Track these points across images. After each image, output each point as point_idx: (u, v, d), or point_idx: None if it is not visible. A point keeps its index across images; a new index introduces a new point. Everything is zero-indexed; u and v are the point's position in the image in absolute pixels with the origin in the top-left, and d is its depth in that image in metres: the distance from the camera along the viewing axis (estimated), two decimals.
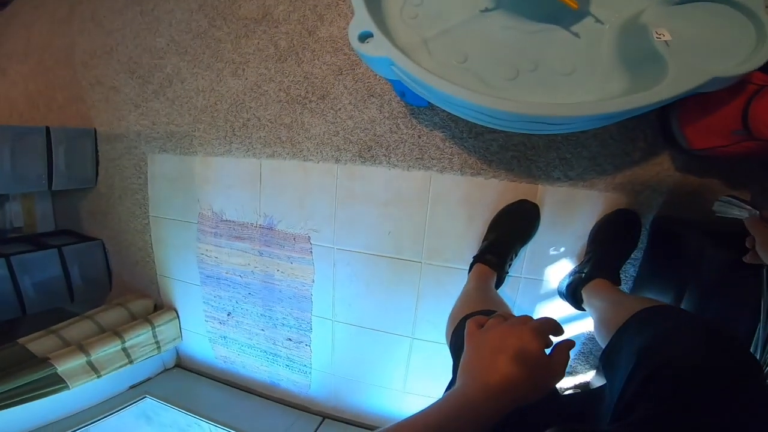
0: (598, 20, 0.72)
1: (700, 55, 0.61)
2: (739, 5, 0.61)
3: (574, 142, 0.91)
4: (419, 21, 0.79)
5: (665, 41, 0.61)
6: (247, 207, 1.21)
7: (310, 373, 1.32)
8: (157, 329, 1.40)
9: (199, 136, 1.28)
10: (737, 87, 0.65)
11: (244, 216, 1.22)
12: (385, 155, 1.03)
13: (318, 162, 1.11)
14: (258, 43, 1.23)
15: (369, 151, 1.05)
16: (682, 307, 0.71)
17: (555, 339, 0.43)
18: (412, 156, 1.01)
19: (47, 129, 1.42)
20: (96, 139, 1.56)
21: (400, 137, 1.02)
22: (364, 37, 0.69)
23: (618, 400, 0.40)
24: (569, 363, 0.41)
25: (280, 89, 1.16)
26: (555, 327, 0.43)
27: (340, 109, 1.09)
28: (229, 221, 1.27)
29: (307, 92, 1.12)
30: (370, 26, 0.69)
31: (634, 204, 0.89)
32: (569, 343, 0.42)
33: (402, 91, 0.97)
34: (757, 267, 0.57)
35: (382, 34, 0.68)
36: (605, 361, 0.54)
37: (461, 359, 0.44)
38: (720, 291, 0.68)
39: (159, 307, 1.54)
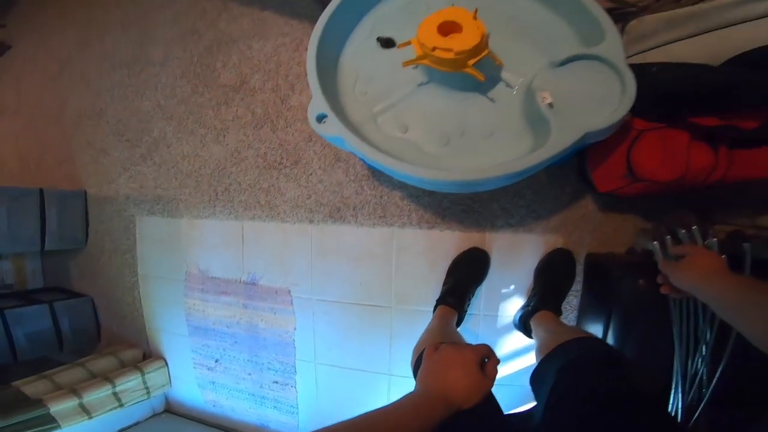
0: (508, 85, 0.87)
1: (578, 112, 0.75)
2: (605, 59, 0.76)
3: (512, 193, 1.07)
4: (369, 97, 0.95)
5: (549, 104, 0.76)
6: (232, 265, 1.35)
7: (297, 413, 1.44)
8: (146, 376, 1.50)
9: (185, 199, 1.42)
10: (621, 134, 0.81)
11: (228, 273, 1.36)
12: (352, 215, 1.19)
13: (294, 223, 1.26)
14: (236, 110, 1.40)
15: (338, 212, 1.20)
16: (610, 332, 0.86)
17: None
18: (376, 215, 1.16)
19: (41, 191, 1.55)
20: (86, 201, 1.69)
21: (364, 198, 1.17)
22: (321, 117, 0.85)
23: (543, 411, 0.55)
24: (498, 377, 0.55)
25: (257, 155, 1.32)
26: (489, 351, 0.57)
27: (311, 174, 1.24)
28: (215, 278, 1.41)
29: (282, 158, 1.29)
30: (326, 109, 0.84)
31: (568, 243, 1.05)
32: (497, 361, 0.57)
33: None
34: (665, 296, 0.71)
35: (335, 116, 0.83)
36: (533, 381, 0.69)
37: (419, 372, 0.58)
38: (637, 317, 0.82)
39: (148, 355, 1.64)
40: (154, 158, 1.52)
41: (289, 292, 1.28)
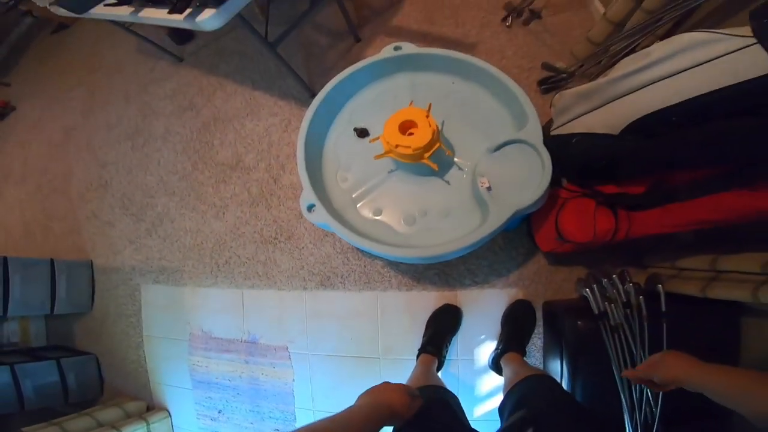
0: (460, 168, 1.09)
1: (510, 191, 0.95)
2: (528, 142, 0.97)
3: (476, 257, 1.29)
4: (349, 184, 1.17)
5: (487, 188, 0.97)
6: (233, 327, 1.51)
7: None
8: (151, 426, 1.61)
9: (188, 270, 1.59)
10: (551, 203, 1.01)
11: (230, 334, 1.52)
12: (341, 282, 1.38)
13: (289, 290, 1.44)
14: (234, 188, 1.61)
15: (328, 280, 1.40)
16: (564, 365, 1.05)
17: None
18: (361, 281, 1.36)
19: (52, 261, 1.70)
20: (92, 270, 1.84)
21: (350, 268, 1.37)
22: (311, 207, 1.06)
23: None
24: None
25: (255, 231, 1.51)
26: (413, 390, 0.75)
27: (303, 247, 1.44)
28: (218, 338, 1.57)
29: (276, 234, 1.48)
30: (314, 200, 1.05)
31: (527, 294, 1.26)
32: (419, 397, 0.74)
33: None
34: (599, 331, 0.90)
35: (322, 206, 1.04)
36: (499, 412, 0.88)
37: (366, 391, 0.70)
38: (580, 351, 1.01)
39: (151, 407, 1.75)
40: (158, 232, 1.70)
41: (287, 348, 1.46)
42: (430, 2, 2.03)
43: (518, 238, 1.26)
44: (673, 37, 0.75)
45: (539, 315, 1.23)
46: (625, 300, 0.92)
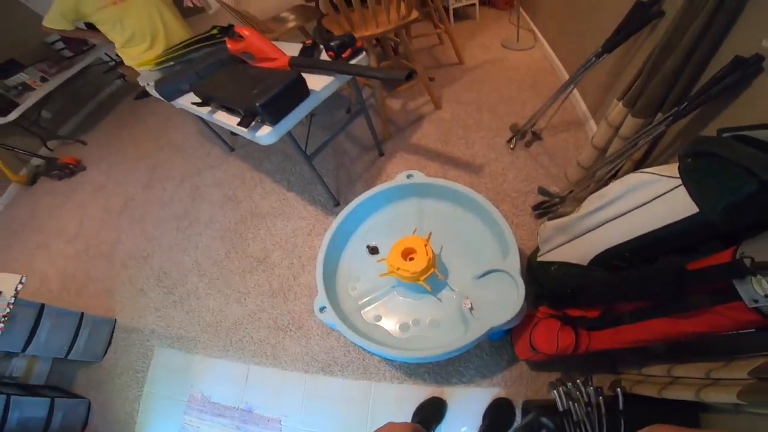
0: (451, 288, 1.34)
1: (489, 312, 1.16)
2: (507, 272, 1.19)
3: (464, 360, 1.46)
4: (357, 293, 1.43)
5: (469, 308, 1.19)
6: (233, 395, 1.65)
7: None
8: None
9: (203, 342, 1.80)
10: (528, 320, 1.21)
11: (228, 401, 1.65)
12: (340, 371, 1.57)
13: (292, 371, 1.62)
14: (258, 279, 1.89)
15: (329, 367, 1.58)
16: None
17: None
18: (358, 372, 1.54)
19: (82, 314, 1.91)
20: (114, 327, 2.04)
21: (350, 359, 1.57)
22: (322, 308, 1.30)
23: None
24: None
25: (270, 318, 1.75)
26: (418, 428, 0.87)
27: (310, 338, 1.66)
28: (216, 403, 1.70)
29: (289, 323, 1.72)
30: (326, 303, 1.30)
31: (509, 394, 1.38)
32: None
33: None
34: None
35: (332, 309, 1.28)
36: None
37: None
38: None
39: None
40: (184, 306, 1.95)
41: (280, 421, 1.57)
42: (446, 121, 2.44)
43: (504, 347, 1.45)
44: (625, 177, 0.92)
45: (519, 412, 1.36)
46: (587, 400, 1.08)
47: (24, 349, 1.68)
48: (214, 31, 2.06)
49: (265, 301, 1.81)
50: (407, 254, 1.30)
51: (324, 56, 1.66)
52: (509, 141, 2.14)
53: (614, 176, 1.51)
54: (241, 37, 1.62)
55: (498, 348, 1.45)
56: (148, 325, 1.95)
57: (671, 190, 0.79)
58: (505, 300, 1.16)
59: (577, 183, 1.61)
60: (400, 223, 1.56)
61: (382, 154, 2.30)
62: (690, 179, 0.76)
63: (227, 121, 1.52)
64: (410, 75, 1.25)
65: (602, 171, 1.48)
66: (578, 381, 1.13)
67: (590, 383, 1.11)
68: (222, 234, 2.18)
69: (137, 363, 1.85)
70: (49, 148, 3.94)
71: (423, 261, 1.24)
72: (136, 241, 2.39)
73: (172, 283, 2.07)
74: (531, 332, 1.20)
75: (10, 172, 3.41)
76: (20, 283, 1.57)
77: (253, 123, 1.39)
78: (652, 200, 0.83)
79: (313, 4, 2.94)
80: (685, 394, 0.88)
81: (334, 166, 2.35)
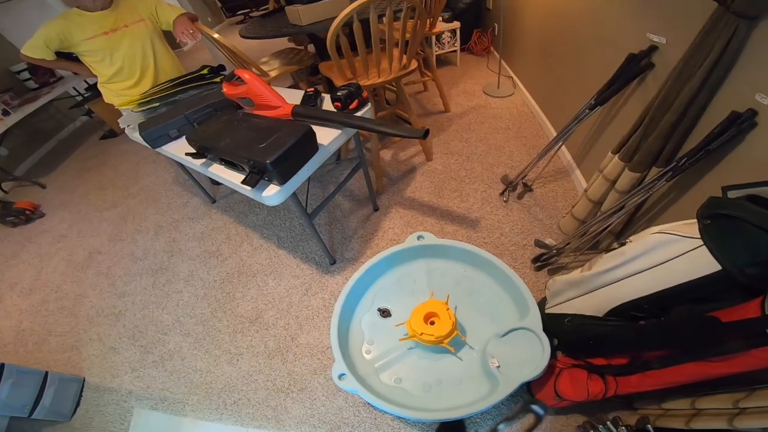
0: (471, 347, 1.36)
1: (516, 368, 1.20)
2: (530, 329, 1.25)
3: (486, 416, 1.45)
4: (372, 356, 1.43)
5: (497, 366, 1.23)
6: None
7: None
8: None
9: (192, 404, 1.70)
10: (550, 372, 1.24)
11: None
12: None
13: None
14: (251, 340, 1.83)
15: (338, 428, 1.52)
16: None
17: None
18: (371, 431, 1.49)
19: (46, 374, 1.78)
20: (83, 386, 1.89)
21: (361, 419, 1.52)
22: (341, 376, 1.28)
23: None
24: None
25: (267, 380, 1.69)
26: None
27: (315, 399, 1.61)
28: None
29: (290, 385, 1.66)
30: (345, 370, 1.28)
31: None
32: None
33: None
34: None
35: (352, 375, 1.27)
36: None
37: None
38: None
39: None
40: (166, 366, 1.85)
41: None
42: (438, 173, 2.52)
43: (518, 394, 1.45)
44: (643, 236, 0.99)
45: None
46: None
47: None
48: (204, 71, 2.07)
49: (261, 362, 1.75)
50: (428, 318, 1.35)
51: (327, 106, 1.69)
52: (502, 194, 2.24)
53: (604, 230, 1.59)
54: (240, 81, 1.58)
55: (513, 396, 1.45)
56: (123, 385, 1.84)
57: (692, 249, 0.86)
58: (529, 356, 1.22)
59: (572, 235, 1.70)
60: (409, 284, 1.60)
61: (377, 209, 2.33)
62: (711, 240, 0.83)
63: (226, 176, 1.46)
64: (426, 133, 1.29)
65: (597, 227, 1.57)
66: (608, 422, 1.17)
67: (620, 423, 1.16)
68: (205, 292, 2.12)
69: (113, 424, 1.73)
70: (3, 190, 3.75)
71: (447, 325, 1.29)
72: (105, 297, 2.28)
73: (149, 342, 1.97)
74: (555, 381, 1.25)
75: None
76: None
77: (260, 181, 1.34)
78: (672, 259, 0.91)
79: (302, 47, 3.04)
80: (716, 424, 0.93)
81: (326, 221, 2.36)
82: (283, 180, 1.35)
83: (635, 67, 1.50)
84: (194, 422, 1.66)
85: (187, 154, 1.57)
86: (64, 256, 2.70)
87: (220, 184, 2.86)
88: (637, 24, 1.49)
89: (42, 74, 4.11)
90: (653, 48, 1.42)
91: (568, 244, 1.69)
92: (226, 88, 1.67)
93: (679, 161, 1.22)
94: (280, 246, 2.27)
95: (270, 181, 1.37)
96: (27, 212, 3.19)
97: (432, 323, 1.32)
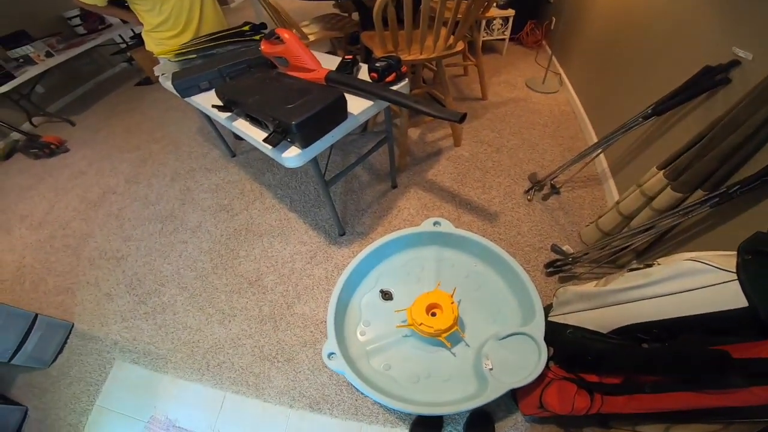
0: (467, 344, 1.31)
1: (509, 373, 1.16)
2: (531, 336, 1.19)
3: (464, 414, 1.41)
4: (366, 338, 1.37)
5: (489, 368, 1.17)
6: (203, 423, 1.52)
7: None
8: None
9: (174, 361, 1.68)
10: (539, 380, 1.18)
11: (197, 428, 1.52)
12: (329, 409, 1.47)
13: (275, 405, 1.51)
14: (246, 302, 1.79)
15: (318, 404, 1.49)
16: None
17: None
18: (349, 412, 1.45)
19: (36, 316, 1.75)
20: (70, 332, 1.88)
21: (342, 398, 1.48)
22: (331, 354, 1.23)
23: None
24: None
25: (256, 346, 1.65)
26: None
27: (300, 372, 1.56)
28: (181, 428, 1.56)
29: (277, 353, 1.62)
30: (336, 350, 1.23)
31: None
32: None
33: None
34: None
35: (341, 355, 1.22)
36: None
37: None
38: None
39: None
40: (156, 319, 1.81)
41: None
42: (464, 159, 2.42)
43: (504, 404, 1.41)
44: (674, 260, 0.96)
45: None
46: None
47: None
48: (246, 28, 2.03)
49: (252, 327, 1.71)
50: (430, 309, 1.29)
51: (363, 75, 1.61)
52: (527, 191, 2.14)
53: (626, 248, 1.51)
54: (279, 39, 1.54)
55: (497, 404, 1.41)
56: (110, 335, 1.81)
57: (723, 282, 0.83)
58: (524, 361, 1.18)
59: (592, 247, 1.61)
60: (416, 270, 1.52)
61: (395, 186, 2.25)
62: (747, 277, 0.79)
63: (249, 132, 1.43)
64: (463, 117, 1.20)
65: (620, 243, 1.47)
66: None
67: None
68: (210, 246, 2.08)
69: (91, 375, 1.71)
70: (33, 124, 3.84)
71: (448, 319, 1.23)
72: (111, 239, 2.26)
73: (145, 292, 1.94)
74: (542, 391, 1.21)
75: None
76: None
77: (282, 141, 1.30)
78: (700, 288, 0.87)
79: (346, 14, 2.93)
80: None
81: (342, 190, 2.29)
82: (305, 143, 1.31)
83: (709, 80, 1.36)
84: (173, 380, 1.64)
85: (213, 106, 1.53)
86: (79, 192, 2.70)
87: (243, 139, 2.80)
88: (724, 35, 1.35)
89: (92, 21, 4.18)
90: (734, 63, 1.29)
91: (586, 254, 1.60)
92: (263, 46, 1.62)
93: (730, 188, 1.12)
94: (292, 209, 2.21)
95: (292, 142, 1.33)
96: (52, 146, 3.23)
97: (433, 314, 1.26)
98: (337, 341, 1.25)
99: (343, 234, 2.00)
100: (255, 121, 1.44)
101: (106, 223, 2.37)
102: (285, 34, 1.51)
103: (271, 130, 1.30)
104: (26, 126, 3.76)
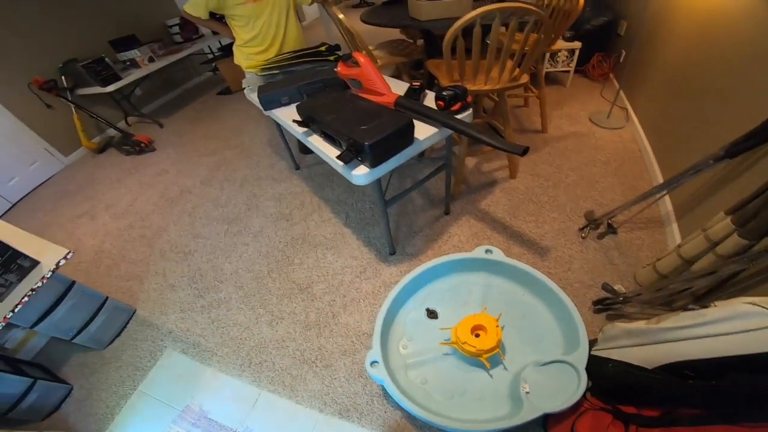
0: (505, 368, 1.33)
1: (545, 398, 1.16)
2: (573, 365, 1.19)
3: None
4: (407, 352, 1.41)
5: (526, 392, 1.18)
6: (234, 417, 1.58)
7: None
8: None
9: (220, 355, 1.76)
10: (573, 408, 1.17)
11: (227, 422, 1.58)
12: (358, 418, 1.48)
13: (306, 407, 1.55)
14: (295, 307, 1.86)
15: (347, 412, 1.50)
16: None
17: None
18: (376, 423, 1.45)
19: (105, 299, 1.86)
20: (131, 317, 2.00)
21: (372, 409, 1.49)
22: (373, 363, 1.29)
23: None
24: None
25: (297, 349, 1.71)
26: None
27: (335, 378, 1.60)
28: (212, 420, 1.62)
29: (316, 359, 1.66)
30: (379, 359, 1.29)
31: None
32: None
33: None
34: None
35: (383, 365, 1.27)
36: None
37: None
38: None
39: None
40: (210, 314, 1.93)
41: None
42: (519, 192, 2.38)
43: (530, 425, 1.31)
44: (731, 303, 0.95)
45: None
46: None
47: (34, 325, 1.59)
48: (322, 48, 2.15)
49: (297, 331, 1.77)
50: (475, 330, 1.33)
51: (429, 102, 1.66)
52: (581, 229, 2.06)
53: (685, 290, 1.43)
54: (355, 63, 1.62)
55: (527, 424, 1.35)
56: (167, 324, 1.93)
57: None
58: (561, 389, 1.19)
59: (646, 288, 1.56)
60: (463, 294, 1.56)
61: (447, 213, 2.26)
62: None
63: (323, 148, 1.51)
64: (526, 151, 1.20)
65: (678, 286, 1.40)
66: None
67: None
68: (268, 250, 2.19)
69: (141, 360, 1.81)
70: (128, 123, 4.24)
71: (492, 341, 1.27)
72: (182, 234, 2.44)
73: (205, 286, 2.06)
74: (575, 420, 1.19)
75: (84, 137, 3.66)
76: (65, 258, 1.51)
77: (353, 159, 1.37)
78: (753, 330, 0.89)
79: (412, 41, 3.01)
80: None
81: (396, 212, 2.33)
82: (374, 163, 1.36)
83: None
84: (215, 373, 1.71)
85: (294, 121, 1.64)
86: (160, 189, 2.95)
87: (308, 153, 2.98)
88: None
89: (189, 31, 4.59)
90: None
91: (639, 294, 1.54)
92: (340, 68, 1.70)
93: None
94: (347, 224, 2.28)
95: (362, 161, 1.38)
96: (142, 144, 3.56)
97: (477, 335, 1.30)
98: (381, 351, 1.31)
99: (394, 253, 2.03)
100: (329, 138, 1.51)
101: (180, 219, 2.56)
102: (361, 58, 1.58)
103: (344, 147, 1.37)
104: (121, 124, 4.14)
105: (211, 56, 5.07)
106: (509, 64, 1.84)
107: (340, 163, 1.35)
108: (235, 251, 2.22)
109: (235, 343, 1.78)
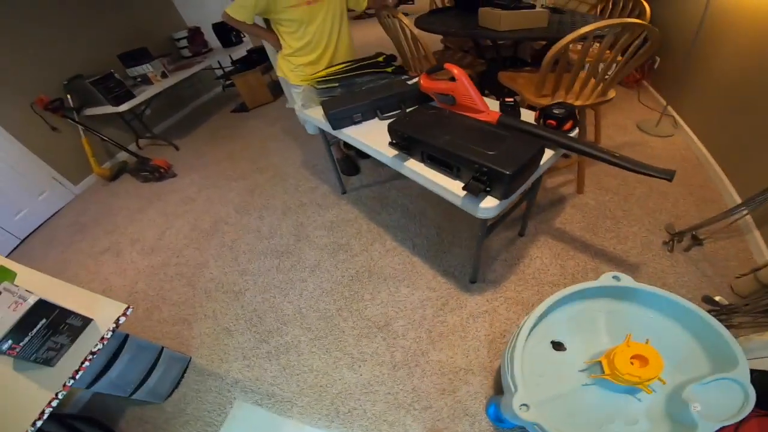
0: (653, 390, 1.22)
1: (714, 413, 1.08)
2: (739, 381, 1.11)
3: None
4: (540, 388, 1.28)
5: (697, 410, 1.10)
6: None
7: None
8: None
9: (301, 406, 1.61)
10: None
11: None
12: None
13: None
14: (377, 347, 1.72)
15: None
16: None
17: None
18: None
19: (162, 349, 1.70)
20: (187, 366, 1.82)
21: None
22: (523, 406, 1.14)
23: None
24: None
25: (389, 393, 1.57)
26: None
27: (439, 420, 1.47)
28: None
29: (413, 401, 1.53)
30: (529, 402, 1.14)
31: None
32: None
33: (498, 418, 1.39)
34: None
35: (535, 408, 1.13)
36: None
37: None
38: None
39: None
40: (280, 360, 1.76)
41: None
42: (591, 208, 2.29)
43: None
44: None
45: None
46: None
47: (90, 386, 1.42)
48: (380, 59, 2.03)
49: (384, 373, 1.63)
50: (632, 359, 1.23)
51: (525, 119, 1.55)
52: (666, 243, 2.00)
53: None
54: (449, 76, 1.49)
55: None
56: (231, 373, 1.76)
57: None
58: (726, 404, 1.12)
59: (751, 296, 1.60)
60: (586, 322, 1.44)
61: (522, 235, 2.15)
62: None
63: (432, 177, 1.36)
64: (673, 175, 1.11)
65: None
66: None
67: None
68: (332, 286, 2.04)
69: (210, 414, 1.64)
70: (139, 146, 4.03)
71: (657, 370, 1.17)
72: (226, 271, 2.27)
73: (267, 330, 1.90)
74: (737, 427, 1.23)
75: (95, 163, 3.45)
76: (124, 314, 1.37)
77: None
78: None
79: (458, 50, 2.90)
80: None
81: (467, 236, 2.21)
82: (507, 194, 1.22)
83: None
84: (299, 426, 1.56)
85: (391, 144, 1.49)
86: (189, 219, 2.76)
87: (353, 174, 2.82)
88: None
89: (197, 44, 4.38)
90: None
91: (747, 305, 1.54)
92: (423, 81, 1.59)
93: None
94: (415, 253, 2.14)
95: (490, 191, 1.24)
96: (161, 170, 3.34)
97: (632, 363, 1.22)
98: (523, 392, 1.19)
99: (474, 281, 1.91)
100: (438, 163, 1.36)
101: (221, 254, 2.38)
102: (455, 70, 1.46)
103: (471, 176, 1.23)
104: (132, 147, 3.92)
105: (220, 71, 4.91)
106: (592, 81, 1.76)
107: (471, 196, 1.20)
108: (293, 289, 2.06)
109: (315, 391, 1.63)
